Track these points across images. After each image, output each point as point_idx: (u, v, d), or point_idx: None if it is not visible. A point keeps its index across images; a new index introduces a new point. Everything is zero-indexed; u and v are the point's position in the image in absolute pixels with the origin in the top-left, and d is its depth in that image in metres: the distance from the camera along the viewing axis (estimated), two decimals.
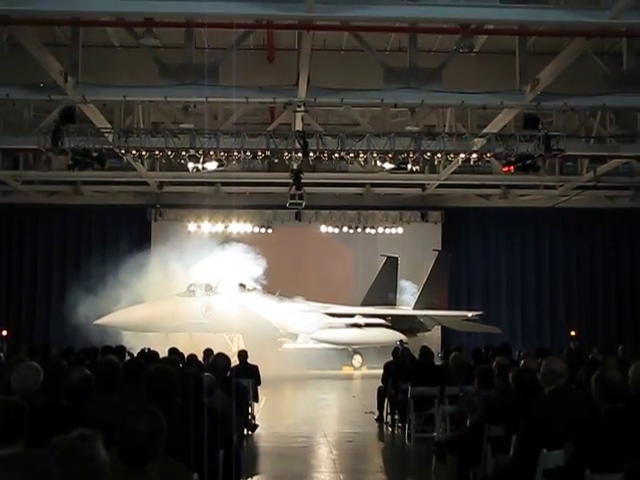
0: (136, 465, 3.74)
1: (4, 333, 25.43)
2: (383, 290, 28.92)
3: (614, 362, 9.28)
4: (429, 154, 18.66)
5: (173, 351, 11.97)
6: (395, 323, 27.27)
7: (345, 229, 28.72)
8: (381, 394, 14.58)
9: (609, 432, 5.10)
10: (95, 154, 18.22)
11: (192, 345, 16.19)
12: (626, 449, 4.94)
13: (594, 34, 14.45)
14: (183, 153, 18.20)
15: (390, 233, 28.95)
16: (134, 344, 16.56)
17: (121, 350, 12.58)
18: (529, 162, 18.71)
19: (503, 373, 7.90)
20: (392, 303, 28.92)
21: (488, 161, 20.56)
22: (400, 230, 28.92)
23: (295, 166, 20.64)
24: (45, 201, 27.54)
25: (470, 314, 27.29)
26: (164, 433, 3.98)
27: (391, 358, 15.17)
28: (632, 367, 6.27)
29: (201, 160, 18.45)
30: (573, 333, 27.04)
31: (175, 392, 5.74)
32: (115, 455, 3.73)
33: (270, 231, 28.34)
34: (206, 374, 7.14)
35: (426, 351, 13.12)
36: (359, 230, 28.79)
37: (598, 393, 5.37)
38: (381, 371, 15.06)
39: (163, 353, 11.59)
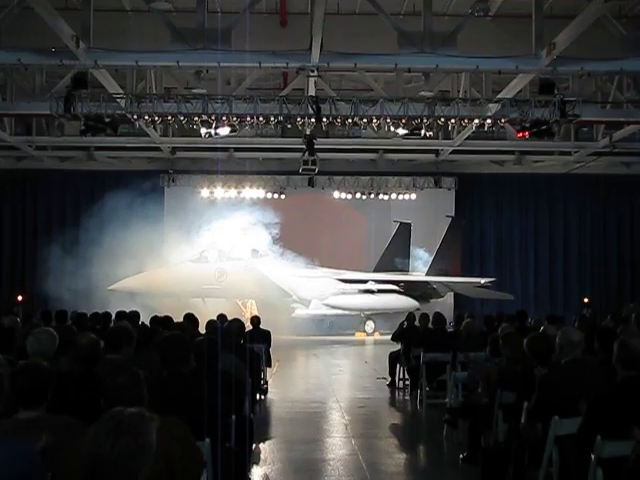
0: None
1: (19, 299, 25.67)
2: (396, 256, 28.93)
3: (634, 329, 9.23)
4: (443, 119, 18.53)
5: (188, 316, 11.98)
6: (408, 289, 27.33)
7: (358, 195, 28.64)
8: (393, 360, 14.63)
9: (622, 399, 5.07)
10: (107, 119, 18.19)
11: (205, 311, 16.26)
12: (638, 417, 4.92)
13: None
14: (195, 118, 18.15)
15: (403, 199, 28.87)
16: (146, 310, 16.58)
17: (135, 315, 12.59)
18: (544, 128, 18.56)
19: (509, 341, 7.89)
20: (405, 269, 28.93)
21: (502, 127, 20.42)
22: (413, 196, 28.81)
23: (308, 131, 20.54)
24: (58, 167, 27.62)
25: (483, 281, 27.28)
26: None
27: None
28: None
29: (214, 125, 18.40)
30: (586, 300, 27.01)
31: (188, 358, 5.76)
32: None
33: (283, 197, 28.29)
34: (219, 339, 7.14)
35: (438, 317, 13.13)
36: (372, 196, 28.70)
37: (617, 359, 5.33)
38: None
39: (176, 319, 11.60)
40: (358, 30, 17.31)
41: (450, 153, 26.09)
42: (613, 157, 26.17)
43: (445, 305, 26.54)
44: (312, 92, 18.43)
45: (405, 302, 26.42)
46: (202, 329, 10.50)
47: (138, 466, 2.82)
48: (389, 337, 15.80)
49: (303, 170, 22.56)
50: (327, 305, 26.77)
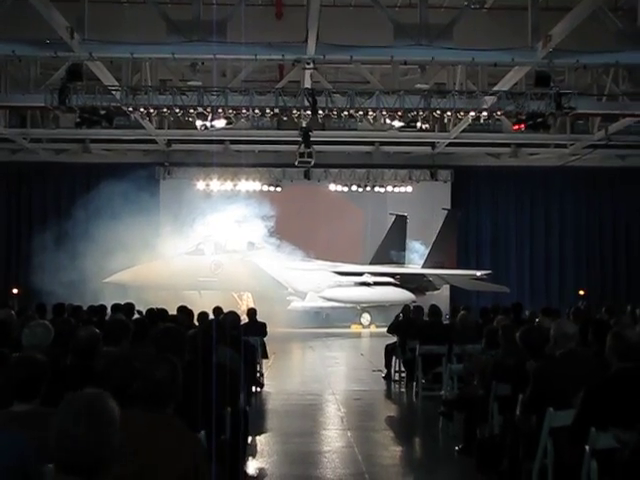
0: (157, 411, 3.90)
1: (15, 291, 25.62)
2: (392, 249, 28.93)
3: (628, 320, 9.24)
4: (439, 112, 18.54)
5: (182, 309, 11.98)
6: (404, 282, 27.33)
7: (354, 187, 28.63)
8: (389, 352, 14.63)
9: (616, 390, 5.07)
10: (103, 112, 18.16)
11: (201, 304, 16.24)
12: (633, 409, 4.93)
13: None
14: (191, 111, 18.13)
15: (399, 192, 28.88)
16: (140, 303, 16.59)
17: (130, 308, 12.60)
18: (540, 120, 18.55)
19: (507, 332, 7.89)
20: (401, 262, 28.95)
21: (498, 119, 20.41)
22: (409, 189, 28.83)
23: (304, 124, 20.52)
24: (53, 159, 27.54)
25: (479, 273, 27.31)
26: (180, 378, 4.14)
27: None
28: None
29: (209, 118, 18.37)
30: (582, 292, 27.04)
31: (183, 350, 5.75)
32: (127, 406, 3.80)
33: (279, 189, 28.27)
34: (215, 332, 7.13)
35: (434, 310, 13.14)
36: (368, 189, 28.70)
37: (611, 350, 5.32)
38: None
39: (171, 311, 11.59)
40: (354, 22, 17.28)
41: (446, 146, 26.09)
42: (609, 150, 26.17)
43: (441, 297, 26.55)
44: (308, 84, 18.41)
45: (401, 295, 26.43)
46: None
47: (112, 444, 2.84)
48: (385, 329, 15.80)
49: (299, 163, 22.55)
50: (323, 298, 26.79)
